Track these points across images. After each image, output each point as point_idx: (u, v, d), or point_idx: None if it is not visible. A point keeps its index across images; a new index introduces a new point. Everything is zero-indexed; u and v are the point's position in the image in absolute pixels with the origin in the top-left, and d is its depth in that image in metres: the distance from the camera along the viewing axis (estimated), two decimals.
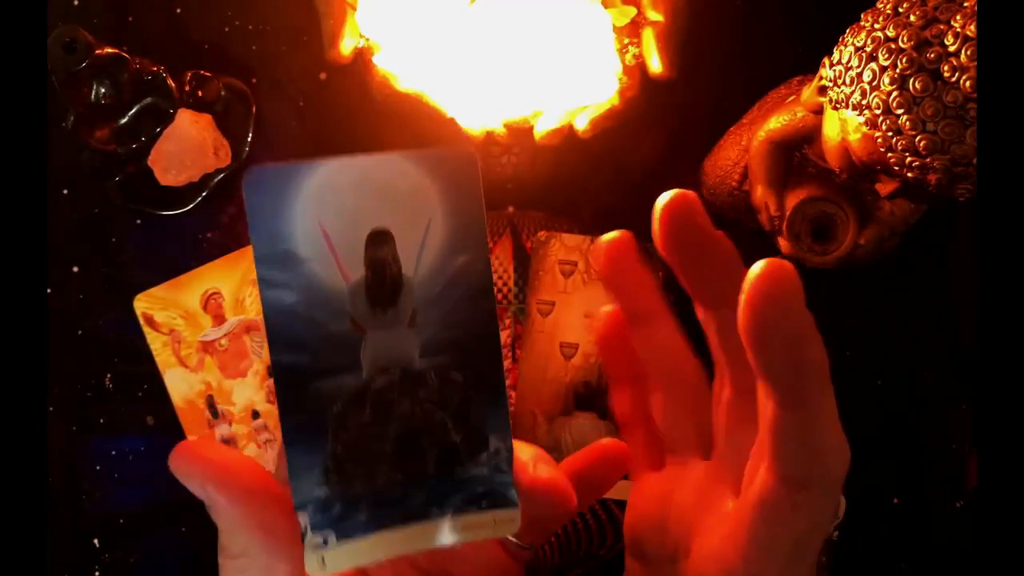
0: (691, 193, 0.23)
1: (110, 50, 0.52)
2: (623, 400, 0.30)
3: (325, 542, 0.25)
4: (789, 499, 0.22)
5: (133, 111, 0.54)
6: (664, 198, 0.23)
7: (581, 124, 0.51)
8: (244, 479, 0.25)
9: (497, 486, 0.26)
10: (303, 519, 0.25)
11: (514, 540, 0.30)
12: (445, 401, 0.26)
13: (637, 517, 0.29)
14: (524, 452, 0.27)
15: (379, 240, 0.25)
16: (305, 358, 0.25)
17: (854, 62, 0.39)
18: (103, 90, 0.52)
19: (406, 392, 0.26)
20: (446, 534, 0.26)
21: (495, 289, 0.57)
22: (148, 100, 0.54)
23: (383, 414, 0.26)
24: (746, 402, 0.24)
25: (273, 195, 0.24)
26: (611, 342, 0.29)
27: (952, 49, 0.36)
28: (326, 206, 0.24)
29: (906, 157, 0.38)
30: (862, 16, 0.40)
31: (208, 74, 0.56)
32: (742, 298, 0.20)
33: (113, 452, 0.58)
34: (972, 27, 0.35)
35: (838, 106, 0.41)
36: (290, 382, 0.25)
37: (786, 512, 0.22)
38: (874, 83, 0.38)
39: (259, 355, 0.58)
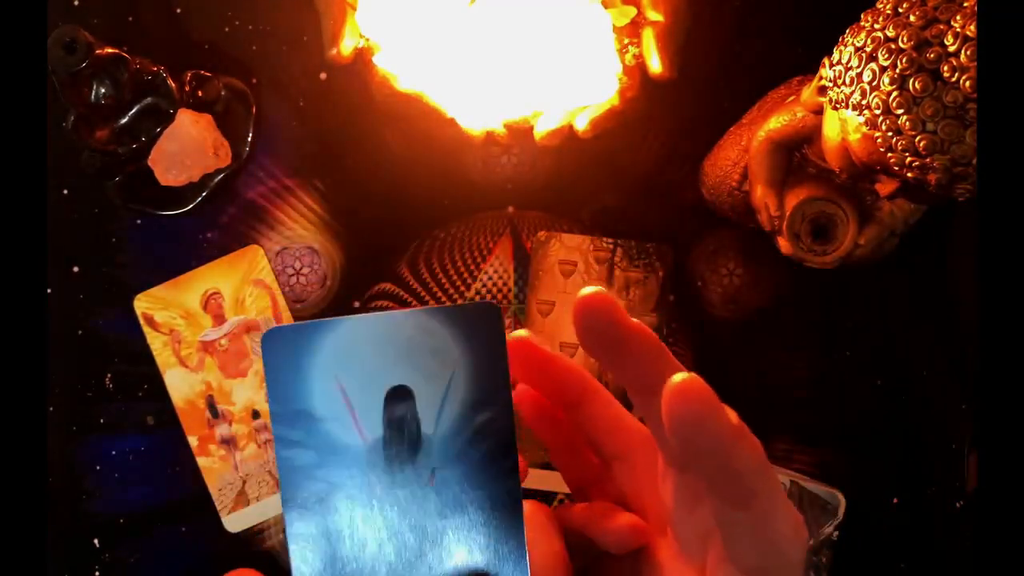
0: (604, 293, 0.23)
1: (110, 50, 0.52)
2: (569, 472, 0.30)
3: None
4: None
5: (133, 111, 0.54)
6: (580, 295, 0.23)
7: (581, 124, 0.51)
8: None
9: None
10: None
11: None
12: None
13: None
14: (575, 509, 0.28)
15: (400, 397, 0.24)
16: (319, 518, 0.24)
17: (854, 62, 0.39)
18: (103, 90, 0.52)
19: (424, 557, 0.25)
20: None
21: (497, 291, 0.57)
22: (148, 100, 0.54)
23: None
24: (691, 479, 0.24)
25: (291, 353, 0.24)
26: (541, 423, 0.29)
27: (952, 49, 0.36)
28: (345, 363, 0.24)
29: (906, 157, 0.38)
30: (862, 16, 0.40)
31: (208, 74, 0.56)
32: (664, 420, 0.20)
33: (113, 452, 0.58)
34: (972, 27, 0.35)
35: (838, 106, 0.41)
36: (307, 546, 0.24)
37: None
38: (874, 83, 0.38)
39: (259, 355, 0.58)
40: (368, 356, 0.24)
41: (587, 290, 0.23)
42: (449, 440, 0.25)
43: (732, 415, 0.21)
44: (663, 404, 0.20)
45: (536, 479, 0.56)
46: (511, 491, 0.25)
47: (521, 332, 0.26)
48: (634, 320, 0.24)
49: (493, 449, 0.25)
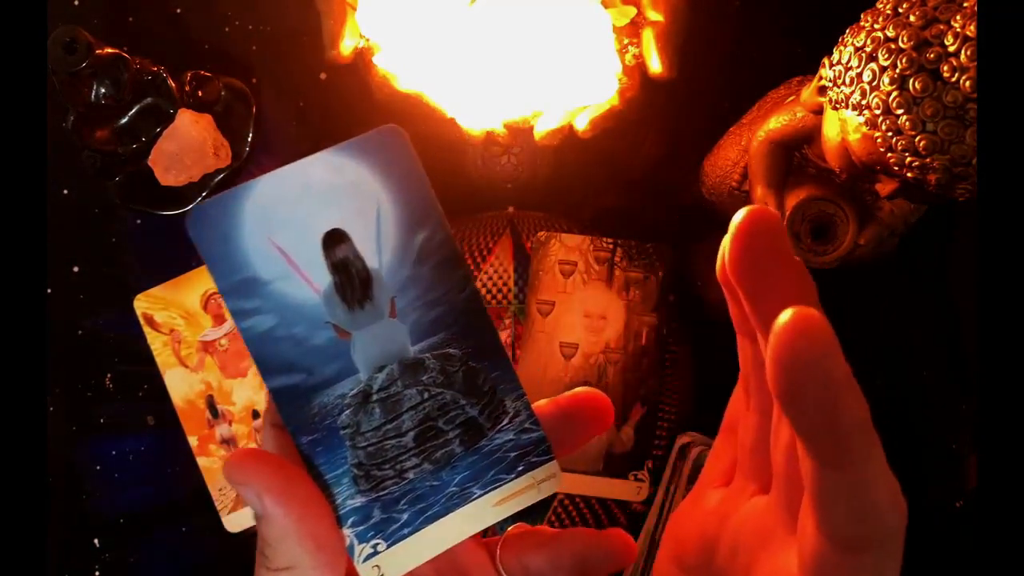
0: (774, 212, 0.21)
1: (110, 50, 0.52)
2: (737, 403, 0.28)
3: (375, 550, 0.25)
4: (844, 563, 0.20)
5: (133, 111, 0.54)
6: (741, 214, 0.21)
7: (581, 124, 0.51)
8: (302, 492, 0.24)
9: (528, 445, 0.26)
10: (347, 533, 0.25)
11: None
12: (450, 379, 0.26)
13: (689, 526, 0.28)
14: (539, 403, 0.27)
15: (335, 240, 0.25)
16: (299, 377, 0.25)
17: (854, 62, 0.39)
18: (103, 90, 0.52)
19: (409, 382, 0.25)
20: (493, 510, 0.26)
21: (497, 291, 0.57)
22: (148, 100, 0.54)
23: (393, 410, 0.25)
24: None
25: (219, 227, 0.24)
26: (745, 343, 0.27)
27: (952, 49, 0.36)
28: (273, 222, 0.24)
29: (906, 157, 0.38)
30: (862, 16, 0.40)
31: (208, 74, 0.56)
32: (768, 354, 0.18)
33: (113, 452, 0.58)
34: (972, 27, 0.35)
35: (838, 106, 0.41)
36: (291, 403, 0.24)
37: (842, 575, 0.20)
38: (874, 83, 0.38)
39: None
40: (293, 208, 0.24)
41: (747, 209, 0.21)
42: (396, 268, 0.25)
43: (846, 366, 0.18)
44: (770, 339, 0.18)
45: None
46: (470, 298, 0.25)
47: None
48: (796, 257, 0.21)
49: (440, 264, 0.25)
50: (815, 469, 0.20)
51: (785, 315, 0.18)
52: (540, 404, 0.28)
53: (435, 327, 0.25)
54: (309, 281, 0.24)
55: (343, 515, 0.25)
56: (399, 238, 0.25)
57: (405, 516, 0.25)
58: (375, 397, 0.25)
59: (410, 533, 0.25)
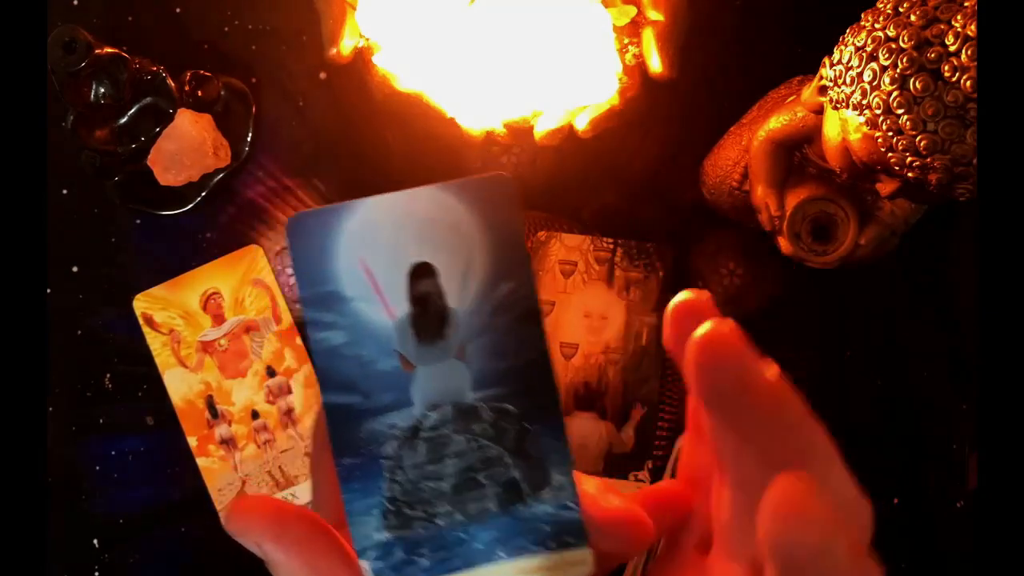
0: (730, 325, 0.20)
1: (110, 50, 0.52)
2: (694, 457, 0.27)
3: None
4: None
5: (133, 111, 0.54)
6: (699, 334, 0.19)
7: (581, 124, 0.51)
8: (299, 530, 0.24)
9: (564, 524, 0.25)
10: (365, 566, 0.25)
11: None
12: (501, 435, 0.25)
13: None
14: (588, 484, 0.26)
15: (422, 274, 0.25)
16: (356, 398, 0.25)
17: (854, 62, 0.39)
18: (103, 90, 0.52)
19: (460, 428, 0.25)
20: None
21: None
22: (148, 100, 0.54)
23: (438, 452, 0.25)
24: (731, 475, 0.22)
25: (315, 238, 0.24)
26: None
27: (952, 49, 0.36)
28: (367, 244, 0.25)
29: (906, 157, 0.38)
30: (862, 16, 0.40)
31: (208, 74, 0.56)
32: (689, 377, 0.19)
33: (113, 452, 0.58)
34: (972, 27, 0.35)
35: (838, 106, 0.41)
36: (342, 422, 0.25)
37: None
38: (874, 83, 0.38)
39: (259, 355, 0.58)
40: (389, 235, 0.25)
41: (706, 326, 0.19)
42: (474, 313, 0.25)
43: (769, 368, 0.19)
44: (686, 359, 0.18)
45: None
46: (540, 357, 0.25)
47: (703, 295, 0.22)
48: (769, 373, 0.20)
49: (518, 318, 0.25)
50: (769, 475, 0.19)
51: (693, 336, 0.19)
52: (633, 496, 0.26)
53: (498, 379, 0.25)
54: (388, 307, 0.25)
55: (366, 547, 0.25)
56: (484, 284, 0.25)
57: (426, 562, 0.25)
58: (423, 435, 0.25)
59: None
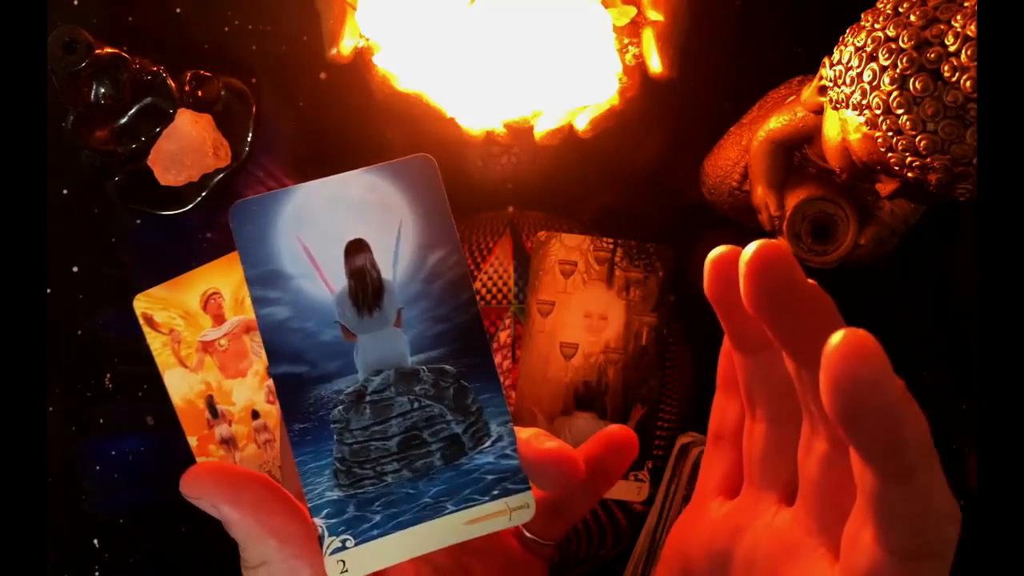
0: (782, 245, 0.21)
1: (110, 50, 0.52)
2: (724, 412, 0.28)
3: (344, 545, 0.26)
4: (901, 571, 0.20)
5: (133, 111, 0.54)
6: (751, 250, 0.21)
7: (581, 124, 0.51)
8: (253, 491, 0.26)
9: (506, 471, 0.27)
10: (319, 524, 0.26)
11: (534, 536, 0.30)
12: (441, 394, 0.27)
13: (695, 537, 0.27)
14: (524, 432, 0.27)
15: (356, 250, 0.27)
16: (302, 367, 0.26)
17: (854, 62, 0.39)
18: (103, 90, 0.52)
19: (402, 390, 0.27)
20: (463, 528, 0.26)
21: (497, 291, 0.57)
22: (148, 100, 0.54)
23: (383, 413, 0.27)
24: (843, 457, 0.22)
25: (256, 222, 0.27)
26: (727, 358, 0.27)
27: (952, 49, 0.36)
28: (305, 225, 0.27)
29: (906, 157, 0.38)
30: (862, 16, 0.40)
31: (208, 74, 0.56)
32: (823, 377, 0.19)
33: (113, 452, 0.58)
34: (972, 27, 0.35)
35: (838, 106, 0.41)
36: (291, 391, 0.26)
37: None
38: (874, 83, 0.38)
39: (259, 355, 0.58)
40: (325, 216, 0.27)
41: (758, 243, 0.21)
42: (408, 282, 0.27)
43: (900, 383, 0.19)
44: (824, 363, 0.18)
45: None
46: (472, 320, 0.27)
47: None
48: (809, 280, 0.21)
49: (449, 284, 0.27)
50: (877, 485, 0.20)
51: (836, 338, 0.18)
52: (527, 436, 0.28)
53: (435, 342, 0.27)
54: (327, 282, 0.27)
55: (319, 505, 0.26)
56: (415, 255, 0.27)
57: (377, 518, 0.26)
58: (368, 398, 0.27)
59: (379, 535, 0.26)
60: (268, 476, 0.27)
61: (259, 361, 0.58)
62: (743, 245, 0.22)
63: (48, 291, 0.57)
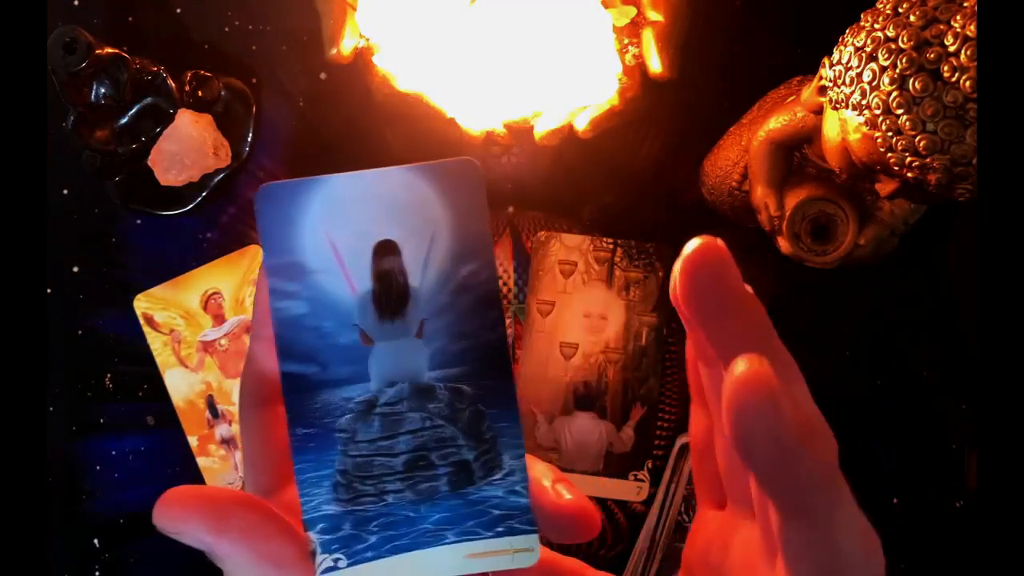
0: (720, 244, 0.21)
1: (110, 50, 0.52)
2: (698, 423, 0.28)
3: (335, 565, 0.24)
4: None
5: (133, 111, 0.54)
6: (690, 247, 0.21)
7: (581, 124, 0.51)
8: (241, 517, 0.23)
9: (514, 509, 0.25)
10: (313, 539, 0.24)
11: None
12: (455, 415, 0.25)
13: (697, 549, 0.27)
14: (538, 470, 0.25)
15: (385, 251, 0.25)
16: (313, 368, 0.25)
17: (854, 62, 0.39)
18: (103, 90, 0.52)
19: (415, 406, 0.25)
20: (461, 562, 0.25)
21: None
22: (148, 100, 0.54)
23: (392, 428, 0.25)
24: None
25: (284, 209, 0.25)
26: (693, 368, 0.27)
27: (952, 49, 0.36)
28: (334, 219, 0.25)
29: (906, 157, 0.38)
30: (862, 16, 0.40)
31: (208, 74, 0.56)
32: (724, 406, 0.18)
33: (113, 452, 0.58)
34: (972, 27, 0.35)
35: (838, 106, 0.41)
36: (297, 392, 0.25)
37: None
38: (874, 83, 0.38)
39: None
40: (356, 212, 0.25)
41: (697, 241, 0.21)
42: (435, 292, 0.25)
43: (801, 414, 0.18)
44: (726, 394, 0.18)
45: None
46: (498, 339, 0.25)
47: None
48: (746, 287, 0.21)
49: (477, 300, 0.25)
50: (779, 521, 0.19)
51: (737, 366, 0.18)
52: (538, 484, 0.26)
53: (456, 359, 0.25)
54: (350, 281, 0.25)
55: (314, 518, 0.25)
56: (446, 265, 0.25)
57: (373, 539, 0.25)
58: (378, 410, 0.25)
59: (373, 558, 0.25)
60: (254, 497, 0.24)
61: None
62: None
63: (48, 291, 0.57)
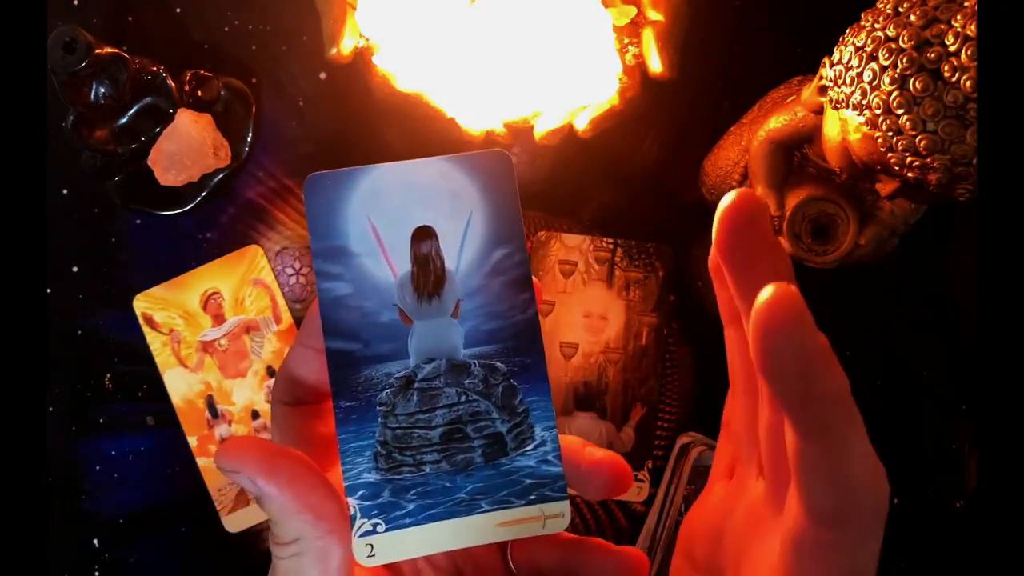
0: (757, 196, 0.22)
1: (110, 50, 0.52)
2: (733, 401, 0.29)
3: (374, 529, 0.26)
4: (822, 538, 0.20)
5: (133, 111, 0.54)
6: (729, 198, 0.22)
7: (581, 124, 0.51)
8: (290, 466, 0.26)
9: (545, 478, 0.27)
10: (353, 504, 0.26)
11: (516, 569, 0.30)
12: (489, 390, 0.27)
13: (697, 521, 0.28)
14: (570, 439, 0.27)
15: (423, 236, 0.27)
16: (356, 345, 0.27)
17: (854, 62, 0.39)
18: (103, 90, 0.52)
19: (451, 381, 0.27)
20: (494, 530, 0.26)
21: None
22: (148, 100, 0.54)
23: (429, 402, 0.27)
24: (776, 412, 0.23)
25: (329, 197, 0.27)
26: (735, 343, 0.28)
27: (952, 49, 0.36)
28: (376, 206, 0.27)
29: (906, 157, 0.38)
30: (862, 16, 0.40)
31: (208, 74, 0.56)
32: (750, 330, 0.19)
33: (113, 452, 0.58)
34: (972, 27, 0.35)
35: (838, 106, 0.41)
36: (341, 367, 0.27)
37: (820, 552, 0.21)
38: (874, 83, 0.38)
39: (259, 355, 0.58)
40: (396, 199, 0.27)
41: (735, 192, 0.22)
42: (470, 275, 0.27)
43: (822, 338, 0.19)
44: (751, 316, 0.19)
45: None
46: (529, 319, 0.27)
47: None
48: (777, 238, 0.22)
49: (510, 282, 0.27)
50: (796, 442, 0.20)
51: (765, 291, 0.19)
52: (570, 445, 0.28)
53: (490, 338, 0.27)
54: (391, 264, 0.27)
55: (355, 485, 0.26)
56: (480, 249, 0.27)
57: (411, 507, 0.26)
58: (417, 385, 0.27)
59: (410, 524, 0.26)
60: (302, 454, 0.27)
61: (259, 361, 0.58)
62: None
63: (48, 291, 0.57)
